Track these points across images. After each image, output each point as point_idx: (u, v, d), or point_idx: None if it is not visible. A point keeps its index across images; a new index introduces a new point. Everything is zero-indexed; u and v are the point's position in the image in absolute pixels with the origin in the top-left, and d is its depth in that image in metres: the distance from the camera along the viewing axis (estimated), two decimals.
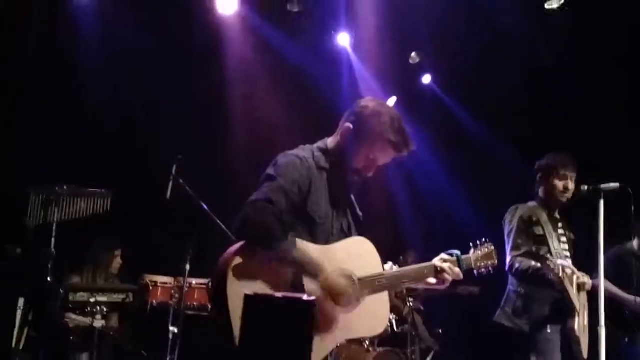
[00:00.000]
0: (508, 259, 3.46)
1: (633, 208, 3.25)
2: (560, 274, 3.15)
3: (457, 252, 2.53)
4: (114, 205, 4.03)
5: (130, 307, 4.03)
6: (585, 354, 3.28)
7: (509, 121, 6.31)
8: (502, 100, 6.36)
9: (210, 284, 3.00)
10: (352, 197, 2.51)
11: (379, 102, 2.46)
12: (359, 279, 2.28)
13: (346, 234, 2.43)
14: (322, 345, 2.20)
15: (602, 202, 3.23)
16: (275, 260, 2.17)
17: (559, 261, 3.20)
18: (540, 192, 3.62)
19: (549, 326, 3.34)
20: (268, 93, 6.06)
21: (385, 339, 5.47)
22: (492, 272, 2.64)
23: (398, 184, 7.17)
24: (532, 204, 3.62)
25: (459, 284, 6.13)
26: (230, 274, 2.11)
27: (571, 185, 3.53)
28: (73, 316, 4.20)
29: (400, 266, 6.53)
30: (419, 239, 6.90)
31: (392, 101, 7.11)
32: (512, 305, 3.48)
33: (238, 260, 2.15)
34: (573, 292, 3.28)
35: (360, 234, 2.42)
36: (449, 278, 2.45)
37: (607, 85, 5.73)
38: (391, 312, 5.54)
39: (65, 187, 3.67)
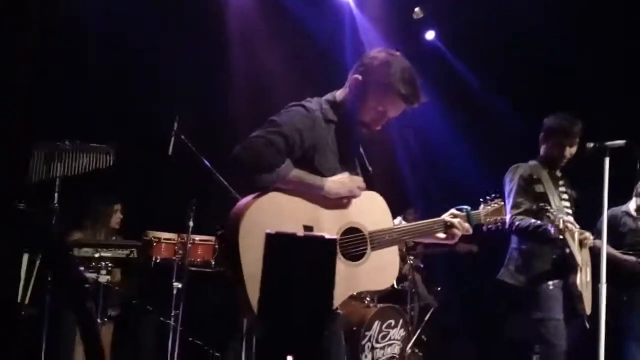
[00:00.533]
0: (508, 217, 3.46)
1: (639, 165, 3.24)
2: (561, 226, 3.16)
3: (467, 207, 2.53)
4: (117, 162, 4.01)
5: (134, 262, 4.05)
6: (588, 310, 3.33)
7: (512, 79, 6.25)
8: (506, 58, 6.28)
9: (219, 238, 2.97)
10: (362, 150, 2.46)
11: (389, 53, 2.36)
12: (370, 233, 2.28)
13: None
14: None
15: (607, 160, 3.21)
16: (276, 184, 2.13)
17: (560, 215, 3.20)
18: (543, 150, 3.61)
19: (550, 282, 3.37)
20: (269, 47, 5.97)
21: (385, 296, 5.55)
22: (500, 227, 2.65)
23: (399, 141, 7.15)
24: (532, 162, 3.62)
25: (458, 242, 6.24)
26: (241, 227, 2.07)
27: (574, 150, 3.53)
28: None
29: (405, 222, 6.59)
30: (420, 197, 6.92)
31: None
32: (514, 263, 3.51)
33: (249, 213, 2.10)
34: (575, 247, 3.30)
35: (369, 188, 2.37)
36: (458, 233, 2.46)
37: (612, 46, 5.66)
38: None
39: (67, 143, 3.64)
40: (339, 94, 2.38)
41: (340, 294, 2.19)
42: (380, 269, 2.32)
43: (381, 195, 2.41)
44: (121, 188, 4.90)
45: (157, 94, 5.24)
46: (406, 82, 2.29)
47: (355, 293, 2.31)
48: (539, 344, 3.35)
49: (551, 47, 6.00)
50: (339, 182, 2.22)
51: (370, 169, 2.47)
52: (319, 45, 6.20)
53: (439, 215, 2.52)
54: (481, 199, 2.65)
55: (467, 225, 2.48)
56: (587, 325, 3.34)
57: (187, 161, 4.20)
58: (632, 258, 4.15)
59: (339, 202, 2.25)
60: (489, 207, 2.61)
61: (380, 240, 2.29)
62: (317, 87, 2.51)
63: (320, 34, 6.23)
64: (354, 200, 2.30)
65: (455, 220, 2.46)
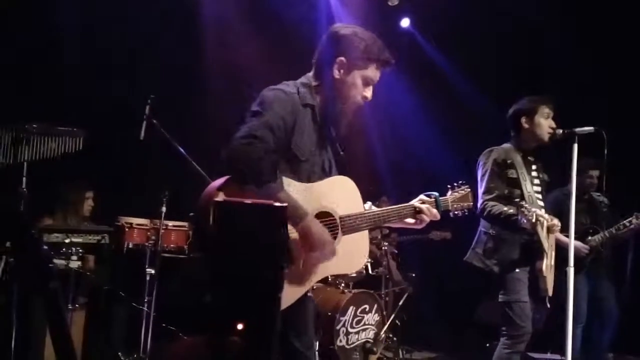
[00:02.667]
0: (480, 202, 3.49)
1: (606, 151, 3.30)
2: (534, 220, 3.20)
3: (436, 193, 2.59)
4: (88, 146, 3.95)
5: (106, 248, 4.01)
6: (550, 292, 3.39)
7: (485, 66, 6.30)
8: (480, 46, 6.32)
9: (192, 220, 2.95)
10: (334, 134, 2.45)
11: (349, 25, 2.42)
12: (340, 217, 2.31)
13: (327, 173, 2.40)
14: (302, 281, 2.22)
15: (575, 146, 3.26)
16: (261, 198, 2.10)
17: (533, 209, 3.24)
18: (521, 134, 3.61)
19: (517, 267, 3.42)
20: (244, 35, 5.93)
21: (360, 281, 5.60)
22: (467, 213, 2.72)
23: (373, 128, 7.16)
24: (507, 146, 3.63)
25: (432, 229, 6.32)
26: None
27: (553, 124, 3.53)
28: None
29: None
30: (393, 184, 6.96)
31: None
32: (482, 246, 3.54)
33: (221, 195, 2.07)
34: (543, 234, 3.34)
35: (341, 173, 2.41)
36: (426, 218, 2.52)
37: (586, 34, 5.74)
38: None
39: (35, 125, 3.56)
40: (313, 78, 2.38)
41: (312, 277, 2.23)
42: (351, 253, 2.35)
43: (352, 179, 2.43)
44: (92, 173, 4.83)
45: (129, 76, 5.17)
46: (380, 47, 2.35)
47: (328, 276, 2.38)
48: (505, 326, 3.41)
49: (526, 33, 6.07)
50: (321, 229, 2.18)
51: (342, 153, 2.47)
52: (293, 33, 6.17)
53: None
54: (449, 186, 2.71)
55: (435, 210, 2.54)
56: (548, 305, 3.41)
57: (160, 145, 4.16)
58: (578, 243, 4.25)
59: (311, 189, 2.27)
60: (456, 194, 2.68)
61: (351, 224, 2.32)
62: (292, 74, 2.50)
63: (295, 22, 6.20)
64: (326, 185, 2.32)
65: (424, 206, 2.51)
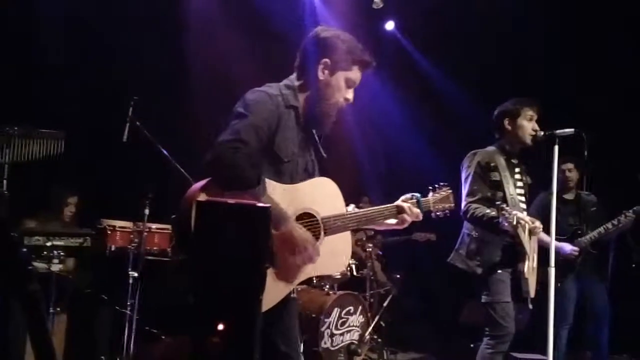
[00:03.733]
0: (463, 204, 3.51)
1: (586, 153, 3.34)
2: (515, 223, 3.23)
3: (418, 194, 2.60)
4: (71, 149, 3.92)
5: (88, 251, 3.97)
6: (532, 294, 3.42)
7: (470, 69, 6.34)
8: (464, 48, 6.36)
9: (174, 221, 2.93)
10: (316, 136, 2.47)
11: (328, 28, 2.45)
12: (323, 218, 2.32)
13: (310, 174, 2.41)
14: (285, 282, 2.24)
15: (556, 148, 3.30)
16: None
17: (514, 212, 3.27)
18: (504, 136, 3.63)
19: (499, 269, 3.44)
20: (228, 36, 5.91)
21: (344, 283, 5.60)
22: (448, 214, 2.73)
23: (357, 130, 7.18)
24: (491, 148, 3.65)
25: (416, 231, 6.35)
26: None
27: (537, 127, 3.56)
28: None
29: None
30: (377, 186, 6.98)
31: None
32: (465, 248, 3.57)
33: (204, 196, 2.08)
34: (525, 237, 3.37)
35: (322, 174, 2.43)
36: (408, 219, 2.52)
37: (570, 36, 5.80)
38: (351, 257, 5.69)
39: (16, 128, 3.53)
40: (297, 80, 2.39)
41: (295, 279, 2.25)
42: (334, 254, 2.35)
43: (334, 181, 2.44)
44: (74, 175, 4.79)
45: (112, 78, 5.13)
46: (361, 49, 2.39)
47: (313, 278, 2.41)
48: (489, 326, 3.43)
49: (510, 36, 6.11)
50: (303, 232, 2.20)
51: (324, 155, 2.49)
52: (277, 36, 6.17)
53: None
54: (430, 187, 2.72)
55: (417, 210, 2.55)
56: (530, 306, 3.44)
57: (143, 147, 4.14)
58: (567, 245, 4.30)
59: (293, 190, 2.28)
60: (437, 195, 2.69)
61: (333, 225, 2.33)
62: (275, 76, 2.50)
63: (279, 24, 6.20)
64: (308, 186, 2.33)
65: (406, 206, 2.52)
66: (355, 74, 2.39)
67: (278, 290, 2.17)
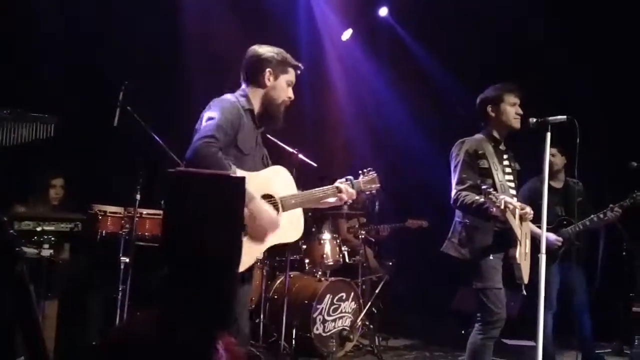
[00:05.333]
0: (453, 193, 3.51)
1: (578, 140, 3.34)
2: (502, 207, 3.23)
3: (351, 177, 3.15)
4: (61, 133, 3.88)
5: (79, 237, 3.95)
6: (525, 279, 3.42)
7: (464, 54, 6.32)
8: (458, 35, 6.34)
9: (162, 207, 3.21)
10: (268, 132, 3.10)
11: (262, 45, 2.96)
12: (280, 198, 2.88)
13: (265, 165, 2.96)
14: (255, 247, 2.76)
15: (549, 135, 3.30)
16: None
17: (502, 196, 3.27)
18: (489, 123, 3.64)
19: (491, 255, 3.45)
20: (222, 23, 5.86)
21: (337, 270, 5.62)
22: (375, 193, 3.40)
23: (352, 117, 7.17)
24: (478, 136, 3.65)
25: (409, 218, 6.35)
26: None
27: (520, 111, 3.56)
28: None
29: (353, 200, 6.67)
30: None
31: (347, 34, 7.01)
32: (457, 236, 3.56)
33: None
34: (515, 223, 3.37)
35: (267, 164, 2.96)
36: (345, 197, 3.06)
37: (569, 18, 5.79)
38: (343, 244, 5.70)
39: (5, 111, 3.48)
40: (249, 89, 2.92)
41: (261, 246, 2.78)
42: (291, 225, 2.92)
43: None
44: (65, 160, 4.75)
45: (103, 62, 5.08)
46: (290, 56, 2.96)
47: (275, 244, 2.84)
48: (480, 312, 3.44)
49: (505, 22, 6.09)
50: (268, 207, 2.75)
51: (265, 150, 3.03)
52: (272, 21, 6.13)
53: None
54: (359, 172, 3.23)
55: (352, 190, 3.09)
56: (524, 293, 3.45)
57: (134, 132, 4.10)
58: (551, 234, 4.31)
59: (255, 176, 2.78)
60: (366, 177, 3.24)
61: (289, 203, 2.90)
62: None
63: (273, 9, 6.15)
64: (267, 173, 2.90)
65: (343, 186, 3.07)
66: (291, 75, 2.96)
67: (249, 256, 2.70)
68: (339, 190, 3.05)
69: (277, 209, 2.84)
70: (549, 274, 4.23)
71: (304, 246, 5.50)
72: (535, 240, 3.57)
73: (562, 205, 4.64)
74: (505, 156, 3.65)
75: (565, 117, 3.30)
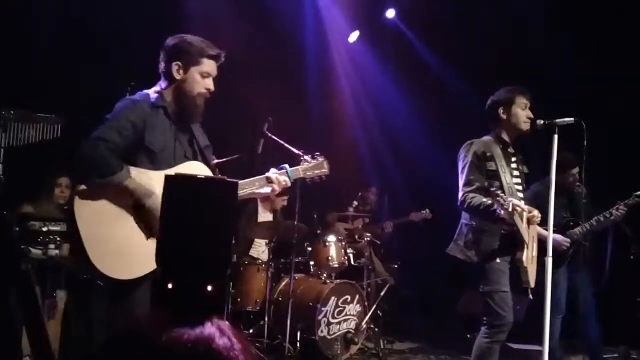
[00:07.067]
0: (460, 194, 3.50)
1: (585, 142, 3.32)
2: (510, 210, 3.21)
3: (286, 165, 2.93)
4: (67, 133, 3.89)
5: None
6: (532, 283, 3.40)
7: (471, 57, 6.30)
8: (466, 36, 6.33)
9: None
10: (195, 128, 2.83)
11: (175, 36, 2.77)
12: None
13: (191, 160, 2.76)
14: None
15: (556, 137, 3.28)
16: (113, 189, 2.50)
17: (509, 198, 3.25)
18: (499, 125, 3.62)
19: (498, 258, 3.43)
20: (228, 23, 5.87)
21: (342, 272, 5.60)
22: (324, 179, 3.05)
23: (359, 119, 7.16)
24: (486, 138, 3.63)
25: (411, 212, 6.33)
26: (76, 205, 2.46)
27: (531, 114, 3.54)
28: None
29: (361, 201, 6.62)
30: (380, 174, 6.97)
31: (354, 36, 7.00)
32: (463, 238, 3.55)
33: (80, 193, 2.50)
34: (523, 226, 3.36)
35: (197, 158, 2.77)
36: (276, 186, 2.83)
37: (574, 26, 5.77)
38: (349, 247, 5.69)
39: (12, 112, 3.50)
40: (162, 84, 2.77)
41: None
42: None
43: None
44: (70, 160, 4.75)
45: (109, 64, 5.09)
46: (207, 45, 2.74)
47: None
48: (487, 315, 3.42)
49: (511, 24, 6.07)
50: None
51: (207, 143, 2.86)
52: (279, 23, 6.13)
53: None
54: (302, 158, 3.02)
55: (284, 178, 2.86)
56: (530, 297, 3.43)
57: None
58: (558, 236, 4.28)
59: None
60: (308, 164, 3.00)
61: None
62: (276, 63, 2.56)
63: (281, 10, 6.15)
64: (180, 169, 2.66)
65: (273, 176, 2.84)
66: (207, 66, 2.74)
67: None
68: (269, 180, 2.83)
69: None
70: (558, 277, 4.22)
71: (309, 248, 5.49)
72: (542, 244, 3.54)
73: (568, 207, 4.61)
74: (513, 159, 3.63)
75: (572, 119, 3.28)
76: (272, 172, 2.87)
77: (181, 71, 2.71)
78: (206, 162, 2.80)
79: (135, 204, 2.53)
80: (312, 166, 3.00)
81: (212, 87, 2.77)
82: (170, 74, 2.72)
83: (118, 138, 2.54)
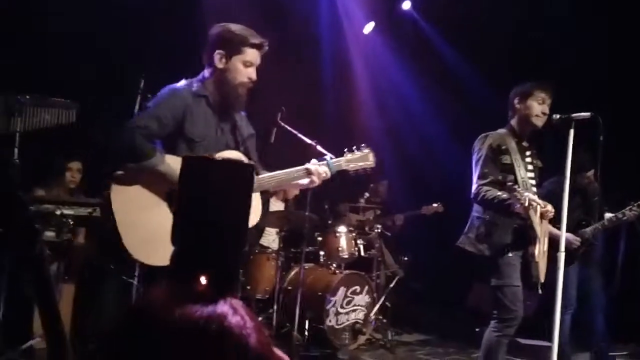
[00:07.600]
0: (474, 187, 3.48)
1: (602, 137, 3.28)
2: (526, 204, 3.19)
3: (328, 156, 2.87)
4: (81, 119, 3.92)
5: (97, 221, 3.98)
6: (542, 278, 3.38)
7: (486, 49, 6.25)
8: (482, 29, 6.27)
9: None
10: (239, 117, 2.83)
11: (218, 24, 2.76)
12: None
13: (232, 150, 2.75)
14: None
15: (572, 132, 3.25)
16: (147, 175, 2.51)
17: (526, 193, 3.23)
18: (514, 117, 3.59)
19: (510, 252, 3.41)
20: (242, 15, 5.84)
21: (351, 263, 5.61)
22: (369, 171, 2.92)
23: (374, 110, 7.14)
24: (502, 131, 3.61)
25: (423, 205, 6.30)
26: (113, 191, 2.52)
27: (547, 110, 3.52)
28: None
29: (372, 193, 6.61)
30: (395, 168, 6.95)
31: (369, 27, 6.97)
32: (475, 231, 3.53)
33: (117, 179, 2.53)
34: (537, 220, 3.33)
35: (237, 148, 2.75)
36: (315, 178, 2.75)
37: (591, 21, 5.69)
38: (359, 237, 5.69)
39: (27, 97, 3.51)
40: (206, 73, 2.75)
41: None
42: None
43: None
44: (85, 145, 4.79)
45: (124, 51, 5.11)
46: (250, 34, 2.71)
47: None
48: (497, 309, 3.41)
49: (528, 18, 6.01)
50: None
51: (251, 132, 2.85)
52: (294, 14, 6.11)
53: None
54: (345, 149, 2.89)
55: (323, 169, 2.77)
56: (540, 291, 3.41)
57: None
58: (570, 235, 4.24)
59: None
60: (352, 155, 2.88)
61: None
62: (292, 54, 2.57)
63: (295, 2, 6.13)
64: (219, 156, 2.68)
65: (313, 167, 2.76)
66: (250, 55, 2.70)
67: None
68: (309, 172, 2.75)
69: None
70: (568, 272, 4.19)
71: (320, 238, 5.50)
72: (554, 242, 3.52)
73: (581, 207, 4.57)
74: (527, 153, 3.60)
75: (589, 114, 3.24)
76: (313, 163, 2.78)
77: (224, 60, 2.69)
78: (247, 152, 2.77)
79: (169, 190, 2.53)
80: (356, 158, 2.88)
81: (254, 77, 2.72)
82: (213, 63, 2.70)
83: (155, 126, 2.55)
